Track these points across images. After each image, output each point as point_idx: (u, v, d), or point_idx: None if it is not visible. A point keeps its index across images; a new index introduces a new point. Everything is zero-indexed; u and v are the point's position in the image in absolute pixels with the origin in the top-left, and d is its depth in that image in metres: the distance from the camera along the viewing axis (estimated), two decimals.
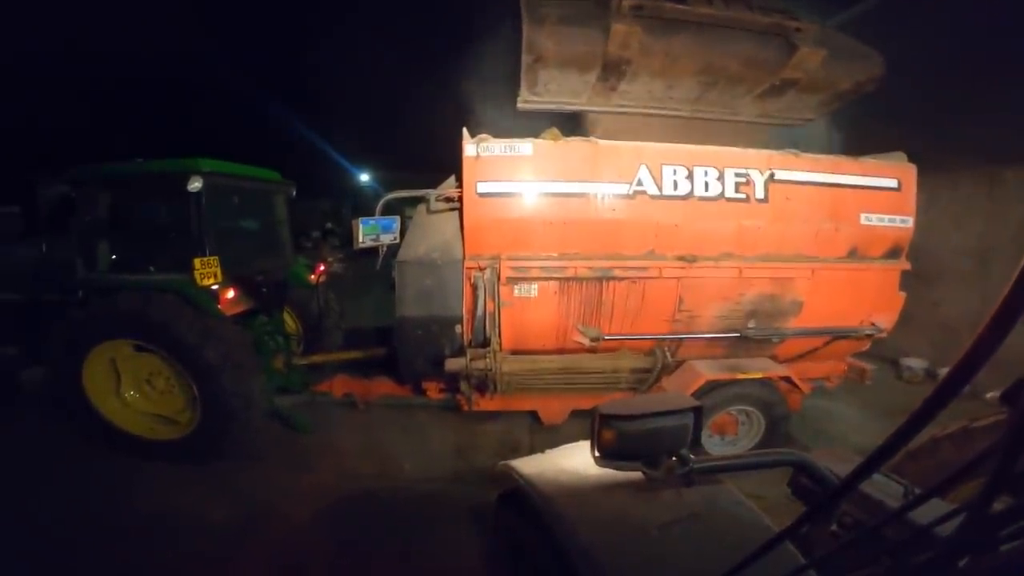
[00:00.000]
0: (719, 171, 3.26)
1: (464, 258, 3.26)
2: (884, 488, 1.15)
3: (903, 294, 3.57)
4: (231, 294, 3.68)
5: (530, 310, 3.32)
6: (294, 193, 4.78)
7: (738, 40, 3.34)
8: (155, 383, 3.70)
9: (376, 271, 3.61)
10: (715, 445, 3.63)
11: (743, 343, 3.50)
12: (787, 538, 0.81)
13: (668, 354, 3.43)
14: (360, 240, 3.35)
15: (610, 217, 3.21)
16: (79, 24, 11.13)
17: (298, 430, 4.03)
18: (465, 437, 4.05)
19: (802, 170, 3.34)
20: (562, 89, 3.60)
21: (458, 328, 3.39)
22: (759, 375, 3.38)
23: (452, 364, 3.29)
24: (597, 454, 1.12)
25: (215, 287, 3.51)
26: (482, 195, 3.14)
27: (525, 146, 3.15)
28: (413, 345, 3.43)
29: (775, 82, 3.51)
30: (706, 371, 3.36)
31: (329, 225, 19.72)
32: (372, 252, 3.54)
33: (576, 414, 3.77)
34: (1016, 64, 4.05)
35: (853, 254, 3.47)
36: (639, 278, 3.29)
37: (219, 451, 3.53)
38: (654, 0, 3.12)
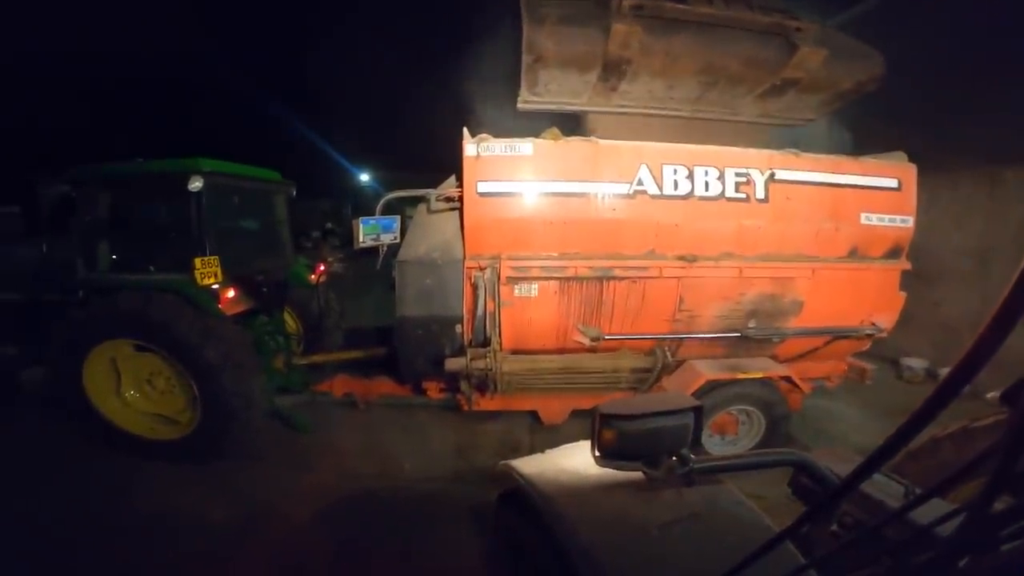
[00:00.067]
0: (719, 171, 3.26)
1: (464, 258, 3.26)
2: (885, 488, 1.15)
3: (903, 294, 3.57)
4: (231, 294, 3.68)
5: (530, 310, 3.32)
6: (294, 193, 4.78)
7: (738, 40, 3.34)
8: (155, 383, 3.70)
9: (376, 271, 3.62)
10: (715, 445, 3.62)
11: (743, 343, 3.50)
12: (787, 538, 0.81)
13: (668, 354, 3.43)
14: (360, 240, 3.35)
15: (610, 217, 3.21)
16: (79, 24, 11.14)
17: (298, 430, 4.03)
18: (465, 437, 4.06)
19: (802, 170, 3.34)
20: (562, 89, 3.60)
21: (458, 328, 3.39)
22: (759, 375, 3.39)
23: (452, 364, 3.29)
24: (597, 454, 1.12)
25: (216, 287, 3.51)
26: (482, 195, 3.14)
27: (525, 146, 3.15)
28: (413, 345, 3.43)
29: (776, 82, 3.51)
30: (706, 371, 3.36)
31: (329, 225, 19.72)
32: (372, 252, 3.55)
33: (576, 414, 3.77)
34: (1016, 64, 4.05)
35: (854, 254, 3.47)
36: (639, 278, 3.29)
37: (219, 451, 3.53)
38: (654, 0, 3.12)
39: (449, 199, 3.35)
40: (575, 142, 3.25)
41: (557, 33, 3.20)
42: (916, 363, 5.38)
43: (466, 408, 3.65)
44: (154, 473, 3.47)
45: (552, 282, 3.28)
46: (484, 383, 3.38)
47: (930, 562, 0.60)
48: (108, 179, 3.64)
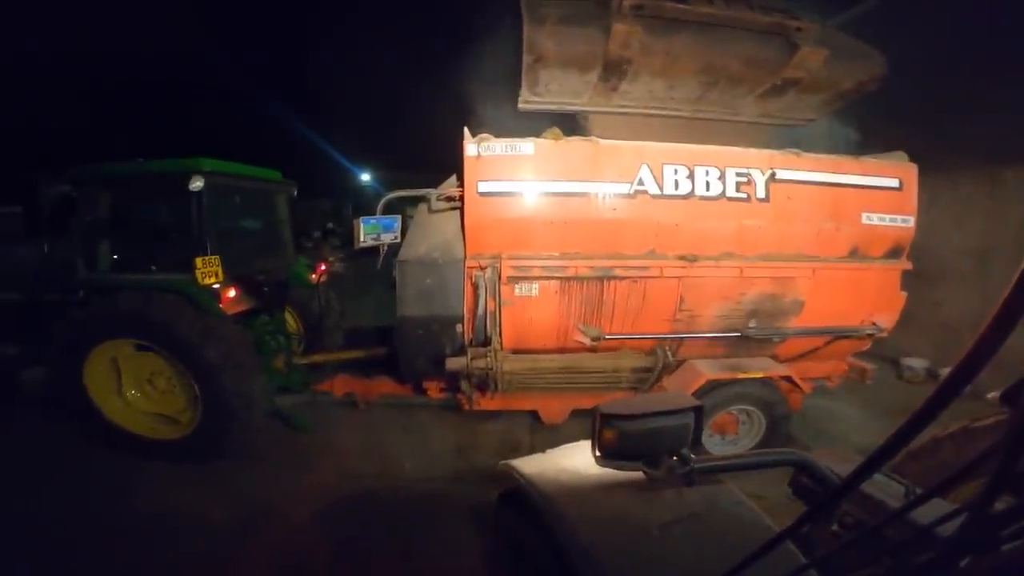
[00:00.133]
0: (720, 171, 3.26)
1: (465, 257, 3.26)
2: (885, 488, 1.15)
3: (904, 294, 3.57)
4: (232, 293, 3.69)
5: (531, 309, 3.32)
6: (295, 193, 4.79)
7: (739, 40, 3.34)
8: (156, 383, 3.71)
9: (377, 270, 3.62)
10: (716, 445, 3.62)
11: (744, 343, 3.50)
12: (788, 538, 0.81)
13: (669, 353, 3.43)
14: (361, 240, 3.35)
15: (611, 216, 3.21)
16: (79, 24, 11.14)
17: (299, 430, 4.03)
18: (466, 436, 4.06)
19: (803, 170, 3.34)
20: (563, 89, 3.59)
21: (459, 327, 3.39)
22: (760, 375, 3.39)
23: (453, 363, 3.29)
24: (598, 454, 1.13)
25: (216, 286, 3.51)
26: (483, 194, 3.14)
27: (526, 145, 3.15)
28: (414, 344, 3.43)
29: (776, 82, 3.51)
30: (707, 370, 3.36)
31: (330, 225, 19.75)
32: (373, 252, 3.54)
33: (577, 413, 3.77)
34: (1016, 64, 4.04)
35: (854, 254, 3.47)
36: (640, 277, 3.29)
37: (220, 451, 3.53)
38: (655, 0, 3.12)
39: (450, 199, 3.35)
40: (576, 142, 3.25)
41: (557, 33, 3.20)
42: (916, 363, 5.38)
43: (466, 408, 3.65)
44: (154, 473, 3.47)
45: (553, 282, 3.28)
46: (484, 383, 3.38)
47: (931, 562, 0.60)
48: (109, 179, 3.65)
